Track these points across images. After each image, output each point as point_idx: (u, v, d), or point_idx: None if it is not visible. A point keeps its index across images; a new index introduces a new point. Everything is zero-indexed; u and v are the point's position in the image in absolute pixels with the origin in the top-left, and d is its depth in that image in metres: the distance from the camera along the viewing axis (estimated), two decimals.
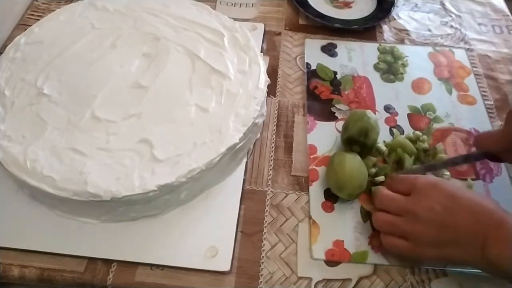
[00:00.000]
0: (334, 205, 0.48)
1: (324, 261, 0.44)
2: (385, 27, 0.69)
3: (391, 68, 0.62)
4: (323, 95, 0.58)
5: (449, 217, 0.39)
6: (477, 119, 0.56)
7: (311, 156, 0.52)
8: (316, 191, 0.49)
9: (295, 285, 0.43)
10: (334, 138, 0.53)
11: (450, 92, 0.59)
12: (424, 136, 0.52)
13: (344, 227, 0.46)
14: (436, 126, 0.55)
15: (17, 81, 0.49)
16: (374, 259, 0.44)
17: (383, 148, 0.50)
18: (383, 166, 0.49)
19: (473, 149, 0.53)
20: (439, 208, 0.39)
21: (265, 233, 0.46)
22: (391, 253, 0.44)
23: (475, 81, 0.61)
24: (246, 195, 0.48)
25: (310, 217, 0.47)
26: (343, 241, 0.45)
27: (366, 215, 0.47)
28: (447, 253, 0.39)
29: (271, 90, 0.59)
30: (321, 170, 0.50)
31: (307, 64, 0.62)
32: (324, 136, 0.54)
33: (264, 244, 0.45)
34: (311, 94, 0.58)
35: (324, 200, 0.48)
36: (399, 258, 0.44)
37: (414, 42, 0.66)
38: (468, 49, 0.66)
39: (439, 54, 0.64)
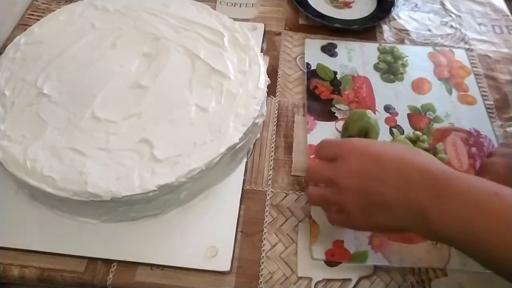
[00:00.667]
0: None
1: (324, 261, 0.44)
2: (385, 27, 0.69)
3: (391, 68, 0.62)
4: (323, 95, 0.58)
5: (372, 183, 0.36)
6: (477, 119, 0.56)
7: (311, 156, 0.52)
8: None
9: (295, 285, 0.43)
10: (334, 138, 0.53)
11: (450, 92, 0.59)
12: (424, 136, 0.52)
13: None
14: (436, 126, 0.55)
15: (17, 81, 0.49)
16: (374, 259, 0.44)
17: None
18: None
19: (473, 149, 0.53)
20: (361, 173, 0.36)
21: (265, 233, 0.46)
22: (336, 226, 0.42)
23: (475, 81, 0.61)
24: (246, 195, 0.48)
25: (310, 217, 0.47)
26: (343, 241, 0.45)
27: None
28: (380, 221, 0.36)
29: (271, 90, 0.59)
30: None
31: (307, 64, 0.62)
32: (324, 136, 0.53)
33: (264, 244, 0.45)
34: (311, 94, 0.58)
35: None
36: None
37: (414, 42, 0.66)
38: (468, 49, 0.66)
39: (439, 54, 0.64)
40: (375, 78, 0.61)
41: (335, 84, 0.60)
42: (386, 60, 0.63)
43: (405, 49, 0.65)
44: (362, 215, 0.37)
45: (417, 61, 0.63)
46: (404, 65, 0.62)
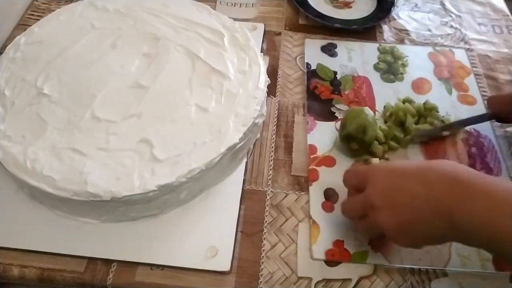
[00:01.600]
0: (334, 205, 0.48)
1: (324, 261, 0.44)
2: (385, 27, 0.69)
3: (391, 68, 0.62)
4: (323, 95, 0.58)
5: (401, 197, 0.36)
6: None
7: (311, 156, 0.52)
8: (316, 191, 0.49)
9: (295, 285, 0.43)
10: (334, 138, 0.53)
11: (450, 92, 0.59)
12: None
13: (344, 227, 0.46)
14: None
15: (17, 81, 0.49)
16: (374, 259, 0.44)
17: (380, 147, 0.51)
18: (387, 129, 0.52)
19: (473, 149, 0.53)
20: (389, 189, 0.37)
21: (265, 233, 0.46)
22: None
23: (475, 81, 0.61)
24: (246, 195, 0.48)
25: (310, 217, 0.47)
26: (343, 241, 0.45)
27: None
28: (416, 235, 0.37)
29: (271, 90, 0.59)
30: (321, 170, 0.50)
31: (307, 64, 0.62)
32: (324, 136, 0.54)
33: (264, 244, 0.45)
34: (311, 94, 0.58)
35: (324, 200, 0.48)
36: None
37: (414, 42, 0.66)
38: (468, 49, 0.66)
39: (439, 54, 0.64)
40: (375, 78, 0.61)
41: (335, 84, 0.60)
42: (386, 60, 0.63)
43: (405, 49, 0.65)
44: (400, 233, 0.37)
45: (417, 61, 0.63)
46: (404, 65, 0.62)
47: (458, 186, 0.34)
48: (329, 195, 0.48)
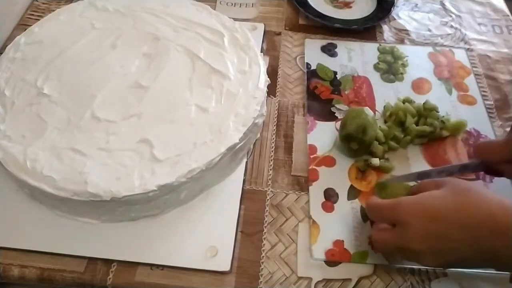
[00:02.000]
0: (334, 205, 0.48)
1: (324, 261, 0.44)
2: (385, 27, 0.69)
3: (391, 68, 0.62)
4: (323, 95, 0.58)
5: (441, 244, 0.36)
6: (477, 119, 0.56)
7: (311, 156, 0.52)
8: (316, 191, 0.49)
9: (295, 285, 0.43)
10: (334, 138, 0.53)
11: (450, 92, 0.59)
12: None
13: (344, 227, 0.46)
14: None
15: (17, 81, 0.49)
16: (374, 259, 0.44)
17: (380, 147, 0.50)
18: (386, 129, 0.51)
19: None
20: (427, 237, 0.36)
21: (265, 233, 0.46)
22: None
23: (475, 81, 0.61)
24: (246, 195, 0.48)
25: (310, 217, 0.47)
26: (343, 241, 0.45)
27: (366, 215, 0.47)
28: (461, 266, 0.40)
29: (271, 90, 0.59)
30: (321, 170, 0.50)
31: (307, 64, 0.62)
32: (324, 136, 0.53)
33: (264, 244, 0.45)
34: (311, 94, 0.58)
35: (324, 200, 0.48)
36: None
37: (414, 42, 0.66)
38: (468, 49, 0.66)
39: (439, 54, 0.64)
40: (375, 78, 0.60)
41: (335, 84, 0.59)
42: (386, 60, 0.63)
43: (405, 49, 0.65)
44: (441, 267, 0.41)
45: (417, 61, 0.63)
46: (404, 65, 0.62)
47: (497, 226, 0.34)
48: (329, 195, 0.48)
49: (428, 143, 0.53)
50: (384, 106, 0.56)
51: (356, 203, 0.48)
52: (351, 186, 0.49)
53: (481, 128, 0.55)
